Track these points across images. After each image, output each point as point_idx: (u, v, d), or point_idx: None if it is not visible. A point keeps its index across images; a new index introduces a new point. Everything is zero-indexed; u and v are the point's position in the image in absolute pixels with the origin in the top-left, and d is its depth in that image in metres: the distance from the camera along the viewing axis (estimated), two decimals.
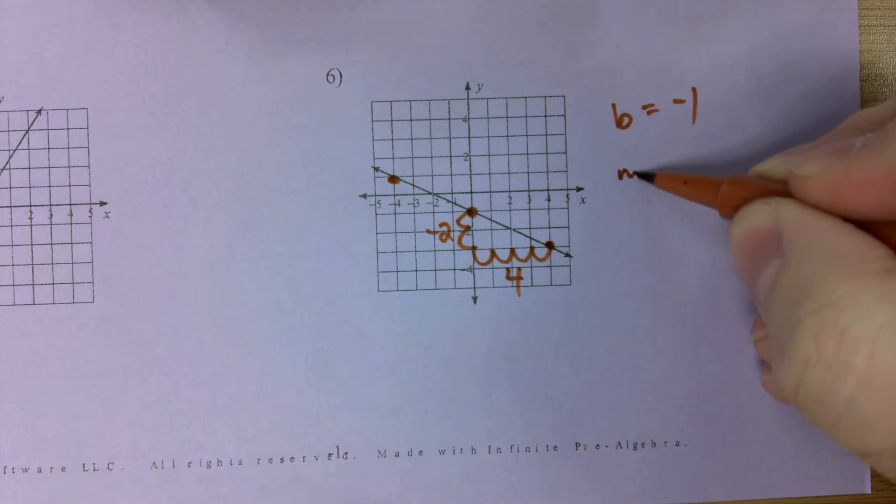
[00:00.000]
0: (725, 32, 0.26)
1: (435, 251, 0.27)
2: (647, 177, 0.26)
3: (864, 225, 0.18)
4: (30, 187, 0.26)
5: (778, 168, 0.21)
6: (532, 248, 0.27)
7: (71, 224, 0.26)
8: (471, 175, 0.27)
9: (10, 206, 0.26)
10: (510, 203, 0.27)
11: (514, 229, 0.27)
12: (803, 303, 0.17)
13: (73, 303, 0.26)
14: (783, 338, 0.18)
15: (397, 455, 0.26)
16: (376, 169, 0.27)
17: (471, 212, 0.27)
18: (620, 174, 0.27)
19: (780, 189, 0.20)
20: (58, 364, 0.26)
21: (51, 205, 0.26)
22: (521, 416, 0.27)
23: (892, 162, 0.17)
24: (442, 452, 0.26)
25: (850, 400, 0.16)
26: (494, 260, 0.27)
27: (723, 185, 0.22)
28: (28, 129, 0.26)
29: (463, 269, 0.27)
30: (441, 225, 0.27)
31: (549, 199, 0.27)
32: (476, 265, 0.27)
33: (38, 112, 0.26)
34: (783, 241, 0.19)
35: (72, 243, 0.26)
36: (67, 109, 0.26)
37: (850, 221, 0.18)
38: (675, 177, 0.25)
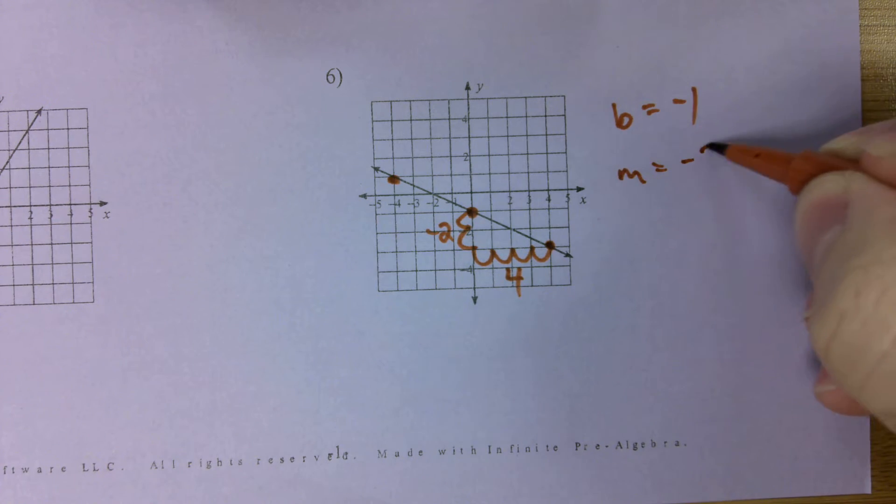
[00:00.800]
0: (725, 32, 0.26)
1: (435, 251, 0.27)
2: (718, 148, 0.26)
3: None
4: (30, 187, 0.26)
5: (849, 146, 0.21)
6: (532, 248, 0.27)
7: (71, 224, 0.26)
8: (471, 175, 0.27)
9: (10, 206, 0.26)
10: (510, 203, 0.27)
11: (514, 229, 0.27)
12: (852, 259, 0.17)
13: (73, 303, 0.26)
14: (830, 287, 0.18)
15: (397, 455, 0.26)
16: (376, 169, 0.27)
17: (471, 212, 0.27)
18: (620, 174, 0.27)
19: (850, 166, 0.21)
20: (58, 364, 0.26)
21: (51, 205, 0.26)
22: (521, 416, 0.27)
23: None
24: (442, 452, 0.26)
25: (883, 357, 0.16)
26: (494, 260, 0.27)
27: (795, 159, 0.22)
28: (28, 129, 0.26)
29: (463, 269, 0.27)
30: (441, 225, 0.27)
31: (549, 199, 0.27)
32: (476, 265, 0.27)
33: (38, 112, 0.26)
34: (848, 208, 0.19)
35: (72, 243, 0.26)
36: (67, 109, 0.26)
37: None
38: (748, 150, 0.24)
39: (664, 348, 0.27)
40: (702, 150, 0.26)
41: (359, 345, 0.26)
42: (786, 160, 0.22)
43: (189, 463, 0.26)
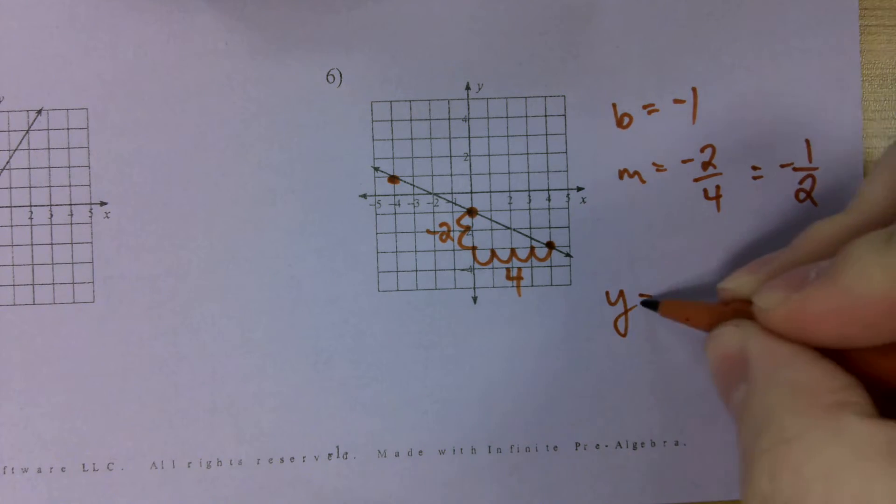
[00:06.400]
0: (725, 32, 0.26)
1: (435, 251, 0.27)
2: (651, 305, 0.25)
3: (834, 350, 0.18)
4: (30, 187, 0.26)
5: (742, 286, 0.21)
6: (532, 248, 0.27)
7: (71, 224, 0.26)
8: (471, 175, 0.27)
9: (10, 206, 0.26)
10: (510, 203, 0.27)
11: (514, 229, 0.27)
12: (760, 437, 0.17)
13: (73, 303, 0.26)
14: (746, 466, 0.18)
15: (397, 455, 0.26)
16: (376, 169, 0.27)
17: (471, 212, 0.27)
18: (620, 174, 0.27)
19: (746, 312, 0.21)
20: (58, 364, 0.26)
21: (51, 205, 0.26)
22: (521, 416, 0.27)
23: (845, 294, 0.17)
24: (442, 452, 0.26)
25: None
26: (494, 260, 0.27)
27: (688, 308, 0.23)
28: (28, 129, 0.26)
29: (463, 269, 0.27)
30: (441, 225, 0.27)
31: (549, 199, 0.27)
32: (476, 265, 0.27)
33: (38, 112, 0.26)
34: (749, 367, 0.19)
35: (72, 243, 0.26)
36: (67, 109, 0.26)
37: (818, 347, 0.18)
38: (679, 306, 0.24)
39: (664, 348, 0.27)
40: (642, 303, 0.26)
41: (359, 345, 0.26)
42: (711, 315, 0.22)
43: (189, 463, 0.26)
